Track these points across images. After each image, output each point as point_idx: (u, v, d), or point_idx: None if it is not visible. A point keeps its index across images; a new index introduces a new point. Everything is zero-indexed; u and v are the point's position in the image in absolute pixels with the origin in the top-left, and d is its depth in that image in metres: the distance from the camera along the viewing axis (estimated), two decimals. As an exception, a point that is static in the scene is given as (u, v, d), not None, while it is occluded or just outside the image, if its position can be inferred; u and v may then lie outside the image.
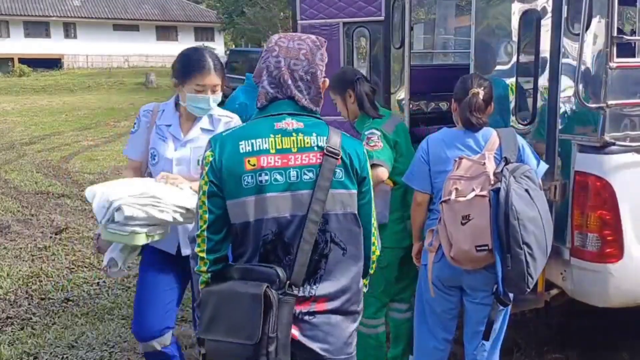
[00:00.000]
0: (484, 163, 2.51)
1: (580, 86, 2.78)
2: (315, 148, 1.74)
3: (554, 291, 3.14)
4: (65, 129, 14.95)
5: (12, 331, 3.96)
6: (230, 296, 1.68)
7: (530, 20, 3.16)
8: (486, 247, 2.40)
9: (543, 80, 3.06)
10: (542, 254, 2.42)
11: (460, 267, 2.56)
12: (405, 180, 2.88)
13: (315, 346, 1.75)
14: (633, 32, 5.32)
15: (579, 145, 2.90)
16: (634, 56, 3.55)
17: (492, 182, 2.42)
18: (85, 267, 5.15)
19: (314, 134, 1.76)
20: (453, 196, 2.47)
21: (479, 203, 2.42)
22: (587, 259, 2.90)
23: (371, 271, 1.93)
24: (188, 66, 2.57)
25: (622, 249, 2.84)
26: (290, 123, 1.77)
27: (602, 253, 2.85)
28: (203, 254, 1.78)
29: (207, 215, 1.76)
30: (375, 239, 1.91)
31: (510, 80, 3.35)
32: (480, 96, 2.69)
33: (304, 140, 1.75)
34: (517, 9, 3.27)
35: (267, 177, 1.71)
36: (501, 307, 2.56)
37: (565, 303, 3.22)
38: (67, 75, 31.17)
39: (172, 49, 37.60)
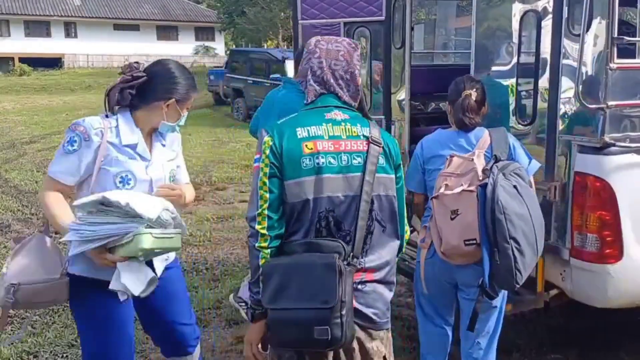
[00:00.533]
0: (473, 159, 2.57)
1: (581, 87, 2.78)
2: (361, 137, 1.95)
3: (554, 291, 3.15)
4: (66, 128, 14.94)
5: (12, 330, 3.96)
6: (301, 267, 1.84)
7: (531, 21, 3.16)
8: (474, 242, 2.46)
9: (543, 81, 3.06)
10: (531, 251, 2.44)
11: (451, 262, 2.61)
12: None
13: (368, 311, 1.95)
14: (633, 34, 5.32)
15: (579, 146, 2.91)
16: (634, 57, 3.56)
17: (481, 178, 2.47)
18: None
19: (358, 125, 1.97)
20: (442, 191, 2.56)
21: (467, 198, 2.49)
22: (586, 259, 2.90)
23: (403, 249, 2.12)
24: (186, 85, 2.38)
25: (622, 249, 2.85)
26: (338, 114, 1.98)
27: (601, 254, 2.86)
28: (264, 231, 1.90)
29: (267, 195, 1.91)
30: (405, 221, 2.12)
31: (511, 81, 3.36)
32: (473, 97, 2.75)
33: (351, 129, 1.96)
34: (517, 10, 3.28)
35: (323, 160, 1.90)
36: (487, 300, 2.60)
37: (564, 303, 3.23)
38: (68, 75, 31.20)
39: (172, 49, 37.75)
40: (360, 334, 1.95)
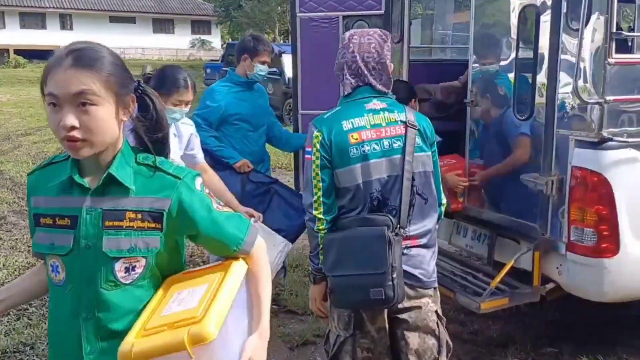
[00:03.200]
0: None
1: (579, 82, 2.79)
2: (399, 122, 2.19)
3: (550, 285, 3.16)
4: (61, 120, 14.88)
5: (8, 321, 3.96)
6: (356, 239, 2.13)
7: (530, 16, 3.16)
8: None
9: (541, 76, 3.07)
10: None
11: None
12: None
13: (416, 272, 2.21)
14: (631, 29, 5.34)
15: (577, 141, 2.91)
16: (632, 52, 3.57)
17: None
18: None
19: (396, 112, 2.21)
20: None
21: None
22: (583, 253, 2.91)
23: (441, 217, 2.38)
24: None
25: (618, 244, 2.87)
26: (377, 104, 2.21)
27: (598, 248, 2.87)
28: (321, 216, 2.20)
29: (321, 184, 2.18)
30: (442, 191, 2.39)
31: (509, 76, 3.36)
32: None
33: (389, 117, 2.20)
34: (516, 5, 3.28)
35: (368, 148, 2.16)
36: None
37: (560, 297, 3.24)
38: (63, 67, 30.99)
39: (168, 42, 37.58)
40: (410, 292, 2.20)
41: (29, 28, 34.92)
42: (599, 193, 2.85)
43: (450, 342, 2.32)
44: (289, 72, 11.61)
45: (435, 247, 2.32)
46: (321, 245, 2.21)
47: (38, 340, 3.70)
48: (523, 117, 3.23)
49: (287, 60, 12.78)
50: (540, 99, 3.08)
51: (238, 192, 3.43)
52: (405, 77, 4.02)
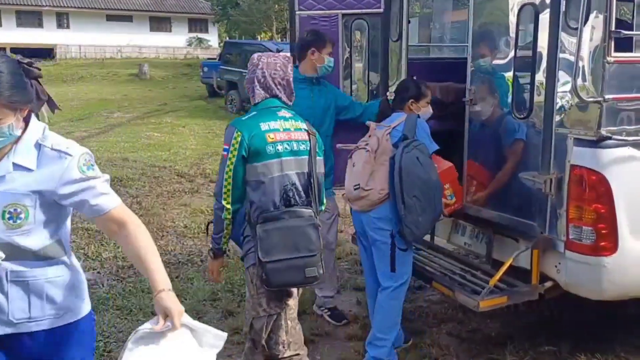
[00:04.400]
0: (375, 129, 3.37)
1: (578, 80, 2.79)
2: (303, 129, 2.65)
3: (548, 284, 3.17)
4: (58, 119, 14.82)
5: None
6: (292, 227, 2.53)
7: (529, 14, 3.17)
8: (358, 186, 3.24)
9: (540, 75, 3.07)
10: (431, 210, 3.12)
11: (353, 208, 3.40)
12: None
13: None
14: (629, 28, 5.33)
15: (575, 139, 2.92)
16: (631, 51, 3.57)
17: (392, 154, 3.16)
18: (79, 257, 5.14)
19: (299, 121, 2.68)
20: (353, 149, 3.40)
21: (359, 153, 3.33)
22: (581, 251, 2.92)
23: (322, 209, 2.80)
24: None
25: (617, 242, 2.87)
26: (285, 113, 2.66)
27: (596, 246, 2.88)
28: (229, 206, 2.58)
29: (231, 179, 2.54)
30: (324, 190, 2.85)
31: (508, 74, 3.37)
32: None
33: (296, 124, 2.64)
34: (515, 3, 3.28)
35: (281, 147, 2.56)
36: (399, 247, 3.20)
37: (558, 296, 3.25)
38: (60, 66, 30.92)
39: (165, 40, 37.49)
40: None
41: (25, 27, 34.77)
42: (597, 191, 2.86)
43: None
44: (286, 71, 11.55)
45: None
46: (226, 231, 2.62)
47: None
48: (522, 116, 3.23)
49: (284, 58, 12.75)
50: (539, 98, 3.09)
51: None
52: (403, 76, 4.02)
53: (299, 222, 2.54)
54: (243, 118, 2.64)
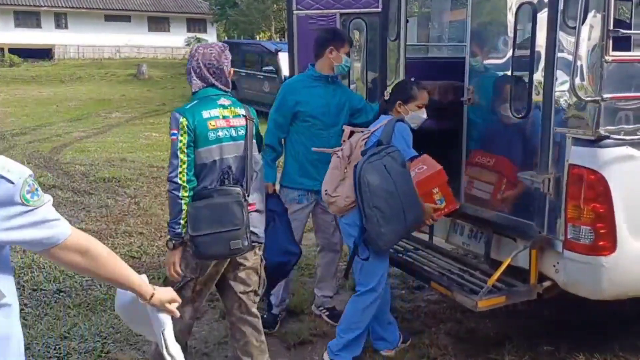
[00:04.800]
0: (348, 134, 3.43)
1: (576, 79, 2.78)
2: (241, 115, 2.85)
3: (547, 283, 3.17)
4: (56, 119, 14.84)
5: (3, 322, 3.93)
6: (220, 204, 2.73)
7: (527, 13, 3.16)
8: (326, 191, 3.28)
9: (538, 74, 3.06)
10: (397, 221, 3.07)
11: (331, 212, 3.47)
12: None
13: (255, 230, 2.86)
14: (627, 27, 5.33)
15: (574, 139, 2.91)
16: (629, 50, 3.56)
17: (348, 154, 3.26)
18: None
19: (238, 107, 2.86)
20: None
21: (334, 159, 3.36)
22: (580, 251, 2.92)
23: None
24: None
25: (615, 241, 2.87)
26: (225, 101, 2.84)
27: (595, 245, 2.87)
28: (185, 184, 2.71)
29: (186, 158, 2.71)
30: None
31: (506, 74, 3.36)
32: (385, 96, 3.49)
33: (234, 111, 2.84)
34: (513, 2, 3.27)
35: (221, 133, 2.77)
36: (359, 257, 3.21)
37: (557, 295, 3.24)
38: (58, 66, 30.90)
39: (164, 40, 37.45)
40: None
41: (23, 27, 34.73)
42: (596, 191, 2.85)
43: (265, 280, 3.01)
44: (285, 71, 11.58)
45: (264, 213, 2.99)
46: (184, 213, 2.70)
47: (34, 341, 3.68)
48: (520, 116, 3.22)
49: (283, 58, 12.74)
50: (537, 97, 3.08)
51: None
52: (402, 75, 4.02)
53: (226, 199, 2.73)
54: (186, 106, 2.79)
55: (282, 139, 3.80)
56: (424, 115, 3.40)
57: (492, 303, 3.15)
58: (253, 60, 16.00)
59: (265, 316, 3.89)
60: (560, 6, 2.87)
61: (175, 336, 1.86)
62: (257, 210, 2.91)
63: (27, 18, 35.27)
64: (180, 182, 2.69)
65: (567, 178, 2.93)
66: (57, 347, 3.63)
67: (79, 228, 5.42)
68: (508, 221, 3.35)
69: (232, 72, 2.89)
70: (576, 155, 2.90)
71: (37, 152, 10.32)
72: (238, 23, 31.92)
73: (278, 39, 28.30)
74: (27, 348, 3.62)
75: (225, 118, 2.78)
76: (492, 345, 3.61)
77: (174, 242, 2.76)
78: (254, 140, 2.89)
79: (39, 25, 35.51)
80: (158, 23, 38.41)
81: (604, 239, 2.85)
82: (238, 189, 2.76)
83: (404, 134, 3.23)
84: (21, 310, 4.04)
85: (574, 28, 2.73)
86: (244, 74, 15.90)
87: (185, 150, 2.71)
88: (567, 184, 2.93)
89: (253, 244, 2.84)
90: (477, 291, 3.20)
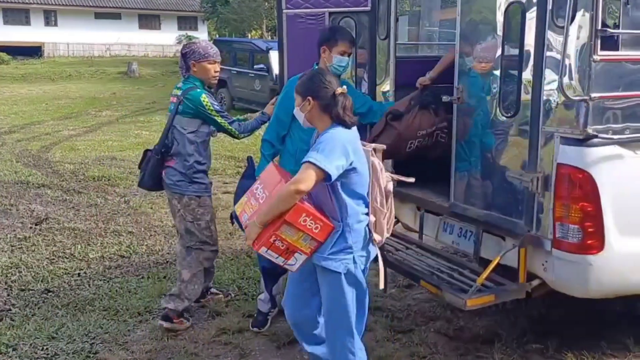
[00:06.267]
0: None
1: (564, 79, 2.79)
2: (177, 95, 3.79)
3: (536, 282, 3.17)
4: (46, 118, 14.72)
5: (-9, 322, 3.90)
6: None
7: (515, 12, 3.16)
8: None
9: (527, 73, 3.07)
10: None
11: None
12: None
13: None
14: (616, 26, 5.36)
15: (562, 138, 2.92)
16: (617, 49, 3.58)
17: None
18: (66, 257, 5.09)
19: (180, 89, 3.81)
20: None
21: None
22: (568, 250, 2.93)
23: None
24: None
25: (603, 240, 2.88)
26: (179, 83, 3.82)
27: (583, 244, 2.89)
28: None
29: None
30: None
31: (495, 73, 3.36)
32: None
33: (176, 91, 3.81)
34: (502, 2, 3.27)
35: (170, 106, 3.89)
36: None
37: (546, 294, 3.25)
38: (48, 64, 30.67)
39: (154, 38, 37.26)
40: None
41: (12, 24, 34.44)
42: (584, 190, 2.86)
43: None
44: (276, 69, 11.55)
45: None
46: None
47: (21, 342, 3.65)
48: (509, 114, 3.23)
49: (274, 56, 12.71)
50: (525, 96, 3.09)
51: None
52: (392, 74, 4.01)
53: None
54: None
55: (283, 136, 3.77)
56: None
57: (481, 302, 3.15)
58: (244, 59, 15.93)
59: (255, 315, 3.89)
60: (549, 5, 2.88)
61: None
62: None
63: (16, 15, 34.97)
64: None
65: (556, 177, 2.94)
66: (45, 347, 3.60)
67: (67, 227, 5.40)
68: (497, 220, 3.36)
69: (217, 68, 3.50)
70: (564, 154, 2.91)
71: (26, 150, 10.24)
72: (229, 21, 31.78)
73: (269, 37, 28.24)
74: (14, 349, 3.59)
75: (173, 96, 3.70)
76: (482, 344, 3.62)
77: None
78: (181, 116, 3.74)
79: (28, 23, 35.22)
80: (149, 21, 38.21)
81: (592, 237, 2.87)
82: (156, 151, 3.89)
83: (323, 141, 2.70)
84: (8, 310, 4.05)
85: (563, 27, 2.74)
86: (235, 72, 15.85)
87: None
88: (556, 183, 2.94)
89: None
90: (466, 290, 3.21)
